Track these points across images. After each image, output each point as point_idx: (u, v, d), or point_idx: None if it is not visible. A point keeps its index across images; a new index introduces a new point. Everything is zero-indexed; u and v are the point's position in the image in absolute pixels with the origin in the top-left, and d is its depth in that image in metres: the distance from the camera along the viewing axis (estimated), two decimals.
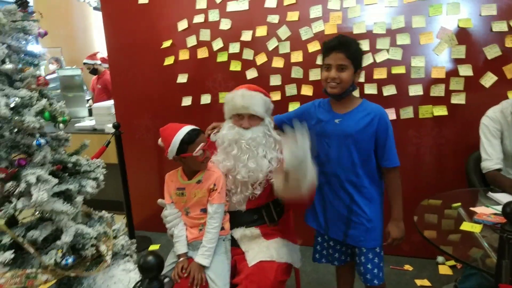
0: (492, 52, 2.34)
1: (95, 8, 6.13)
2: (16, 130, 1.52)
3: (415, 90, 2.49)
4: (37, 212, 1.69)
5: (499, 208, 1.23)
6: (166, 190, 1.79)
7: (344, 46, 1.64)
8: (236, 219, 1.81)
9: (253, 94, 1.75)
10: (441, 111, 2.48)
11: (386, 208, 1.81)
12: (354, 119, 1.71)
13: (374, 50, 2.52)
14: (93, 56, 5.20)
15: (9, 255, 1.45)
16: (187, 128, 1.66)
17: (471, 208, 1.73)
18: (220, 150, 1.77)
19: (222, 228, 1.72)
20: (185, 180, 1.72)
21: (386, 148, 1.72)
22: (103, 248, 1.68)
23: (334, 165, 1.74)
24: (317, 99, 1.91)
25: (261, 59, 2.75)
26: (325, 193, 1.82)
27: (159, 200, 1.85)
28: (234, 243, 1.79)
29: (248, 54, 2.78)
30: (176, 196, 1.74)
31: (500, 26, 2.30)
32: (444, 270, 2.59)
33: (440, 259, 2.67)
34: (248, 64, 2.80)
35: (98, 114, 3.75)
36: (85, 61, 5.25)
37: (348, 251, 1.92)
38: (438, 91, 2.46)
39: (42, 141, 1.49)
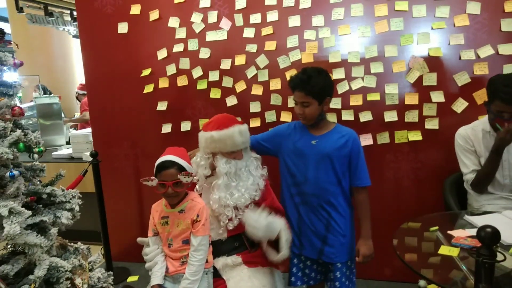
0: (462, 79, 2.44)
1: (74, 36, 6.13)
2: None
3: (390, 116, 2.56)
4: (9, 246, 1.63)
5: (475, 231, 1.26)
6: (150, 222, 1.76)
7: (302, 85, 1.75)
8: (217, 248, 1.78)
9: (244, 128, 1.80)
10: (416, 136, 2.55)
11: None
12: (330, 140, 1.83)
13: (349, 78, 2.59)
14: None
15: None
16: (166, 157, 1.65)
17: (449, 232, 1.76)
18: (220, 187, 1.73)
19: (206, 261, 1.68)
20: (169, 209, 1.70)
21: (358, 168, 1.84)
22: (78, 281, 1.63)
23: (312, 185, 1.83)
24: (293, 121, 2.00)
25: (240, 86, 2.79)
26: (301, 213, 1.88)
27: (139, 239, 1.80)
28: (216, 273, 1.75)
29: (227, 81, 2.81)
30: (160, 226, 1.71)
31: (468, 55, 2.42)
32: None
33: (422, 283, 2.66)
34: (227, 91, 2.83)
35: (76, 142, 3.69)
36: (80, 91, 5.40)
37: (323, 269, 1.97)
38: (412, 116, 2.54)
39: (16, 172, 1.46)
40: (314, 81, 1.74)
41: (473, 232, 1.68)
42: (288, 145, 1.90)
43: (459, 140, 2.17)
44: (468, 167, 2.14)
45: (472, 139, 2.12)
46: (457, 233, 1.73)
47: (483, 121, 2.13)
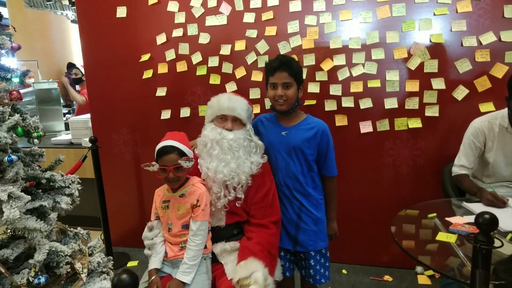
0: (463, 66, 2.43)
1: (73, 21, 6.07)
2: None
3: (391, 103, 2.55)
4: (9, 230, 1.64)
5: (473, 217, 1.27)
6: (153, 206, 1.77)
7: (286, 65, 1.77)
8: (216, 234, 1.78)
9: (238, 98, 1.82)
10: (415, 123, 2.54)
11: None
12: (299, 131, 1.85)
13: (350, 64, 2.57)
14: None
15: None
16: (166, 142, 1.65)
17: (446, 218, 1.77)
18: (204, 153, 1.75)
19: (205, 247, 1.69)
20: (170, 193, 1.71)
21: (327, 159, 1.88)
22: (78, 265, 1.64)
23: (283, 175, 1.86)
24: (261, 115, 2.02)
25: (240, 72, 2.77)
26: None
27: (149, 223, 1.80)
28: (214, 259, 1.76)
29: (227, 67, 2.79)
30: (161, 210, 1.72)
31: (470, 41, 2.39)
32: (423, 280, 2.62)
33: (419, 269, 2.70)
34: (227, 77, 2.81)
35: (75, 128, 3.69)
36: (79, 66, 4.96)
37: (295, 259, 2.00)
38: (412, 104, 2.53)
39: (14, 157, 1.45)
40: (296, 63, 1.81)
41: (471, 219, 1.69)
42: (261, 137, 1.91)
43: (470, 132, 2.14)
44: (461, 160, 2.17)
45: (486, 133, 2.09)
46: (455, 219, 1.75)
47: (502, 114, 2.07)
